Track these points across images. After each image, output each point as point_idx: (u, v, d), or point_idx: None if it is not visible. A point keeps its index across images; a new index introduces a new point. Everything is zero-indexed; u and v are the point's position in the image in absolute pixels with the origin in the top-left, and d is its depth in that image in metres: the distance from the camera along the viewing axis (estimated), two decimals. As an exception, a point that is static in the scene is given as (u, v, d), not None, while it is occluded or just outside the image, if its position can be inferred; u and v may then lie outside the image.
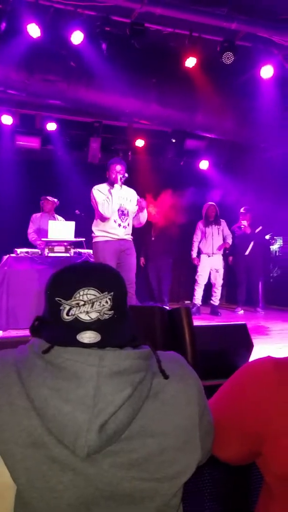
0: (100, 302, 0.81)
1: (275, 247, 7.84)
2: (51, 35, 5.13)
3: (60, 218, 6.32)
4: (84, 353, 0.77)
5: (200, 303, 6.82)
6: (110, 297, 0.82)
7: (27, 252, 5.48)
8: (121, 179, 4.49)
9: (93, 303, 0.80)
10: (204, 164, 7.95)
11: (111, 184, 4.54)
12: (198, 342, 1.41)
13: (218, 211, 6.88)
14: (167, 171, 7.91)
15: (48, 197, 6.30)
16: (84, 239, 5.64)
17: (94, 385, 0.75)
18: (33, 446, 0.75)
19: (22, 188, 6.86)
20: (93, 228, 4.64)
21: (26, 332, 0.91)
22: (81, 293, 0.80)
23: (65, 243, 5.59)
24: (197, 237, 6.85)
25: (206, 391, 0.97)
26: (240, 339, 1.66)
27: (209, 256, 6.76)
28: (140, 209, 4.55)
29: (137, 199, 4.59)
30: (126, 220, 4.57)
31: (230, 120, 6.44)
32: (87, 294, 0.80)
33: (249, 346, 1.68)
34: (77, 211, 6.21)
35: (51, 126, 7.06)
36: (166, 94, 5.97)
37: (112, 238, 4.51)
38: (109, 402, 0.75)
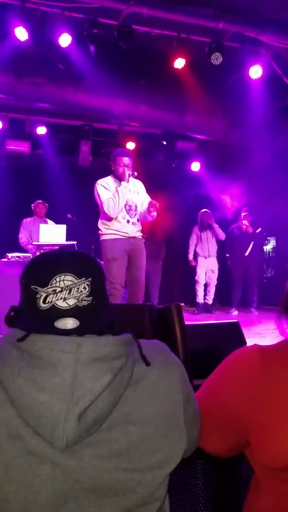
0: (78, 288, 0.78)
1: (268, 247, 7.85)
2: (38, 38, 5.11)
3: (50, 222, 6.28)
4: (61, 341, 0.73)
5: (203, 301, 7.15)
6: (88, 282, 0.79)
7: (18, 257, 5.43)
8: (129, 175, 4.09)
9: (70, 289, 0.77)
10: (195, 166, 7.95)
11: (118, 179, 4.11)
12: (189, 341, 1.38)
13: (212, 218, 7.11)
14: (159, 173, 7.90)
15: (43, 202, 6.28)
16: (75, 242, 5.60)
17: (72, 373, 0.71)
18: (9, 438, 0.72)
19: (12, 193, 6.82)
20: (100, 225, 4.21)
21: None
22: (58, 279, 0.77)
23: (57, 247, 5.55)
24: (192, 241, 7.25)
25: (197, 390, 0.94)
26: (233, 337, 1.63)
27: (205, 258, 7.15)
28: (149, 212, 4.15)
29: (150, 202, 4.15)
30: (135, 215, 4.15)
31: (220, 121, 6.45)
32: (64, 280, 0.77)
33: (242, 344, 1.65)
34: (69, 215, 6.18)
35: (41, 130, 7.03)
36: (155, 95, 5.97)
37: (121, 236, 4.09)
38: (88, 390, 0.71)
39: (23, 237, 6.10)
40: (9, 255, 5.42)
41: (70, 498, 0.73)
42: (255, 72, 5.63)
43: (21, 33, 4.89)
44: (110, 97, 5.74)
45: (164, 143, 7.56)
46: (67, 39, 5.05)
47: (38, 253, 5.34)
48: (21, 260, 5.42)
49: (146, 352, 0.80)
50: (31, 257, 5.49)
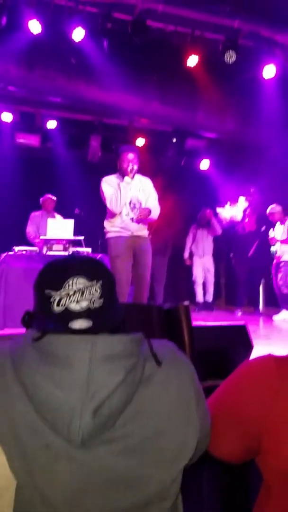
0: (90, 291, 0.82)
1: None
2: (51, 32, 5.09)
3: (58, 216, 6.27)
4: (76, 339, 0.77)
5: (202, 300, 7.17)
6: (99, 285, 0.83)
7: (25, 250, 5.43)
8: (131, 170, 4.03)
9: (83, 292, 0.81)
10: (205, 164, 7.91)
11: (122, 175, 4.08)
12: (197, 342, 1.37)
13: (212, 217, 7.08)
14: (168, 171, 7.87)
15: (51, 196, 6.27)
16: (83, 237, 5.59)
17: (87, 370, 0.74)
18: (27, 432, 0.75)
19: (21, 186, 6.82)
20: (105, 224, 4.21)
21: (23, 330, 0.91)
22: (71, 282, 0.81)
23: (64, 242, 5.54)
24: (189, 239, 7.30)
25: (204, 392, 0.94)
26: (240, 340, 1.62)
27: (200, 257, 7.20)
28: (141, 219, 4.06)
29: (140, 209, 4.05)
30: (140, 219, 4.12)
31: (232, 120, 6.40)
32: (76, 283, 0.81)
33: (249, 347, 1.64)
34: (76, 209, 6.16)
35: (51, 124, 7.02)
36: (167, 92, 5.94)
37: (126, 234, 4.07)
38: (103, 386, 0.74)
39: (30, 230, 6.10)
40: (16, 248, 5.42)
41: (87, 491, 0.75)
42: (269, 71, 5.59)
43: (35, 26, 4.87)
44: (122, 92, 5.71)
45: (174, 140, 7.53)
46: (81, 33, 5.03)
47: (45, 248, 5.32)
48: (27, 254, 5.42)
49: (156, 350, 0.83)
50: (38, 250, 5.50)
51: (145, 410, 0.78)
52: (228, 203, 7.15)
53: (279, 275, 6.32)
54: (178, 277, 8.02)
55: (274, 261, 6.45)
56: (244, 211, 7.24)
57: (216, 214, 7.23)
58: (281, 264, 6.31)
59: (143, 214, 4.07)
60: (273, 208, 6.40)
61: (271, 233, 6.48)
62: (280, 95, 6.10)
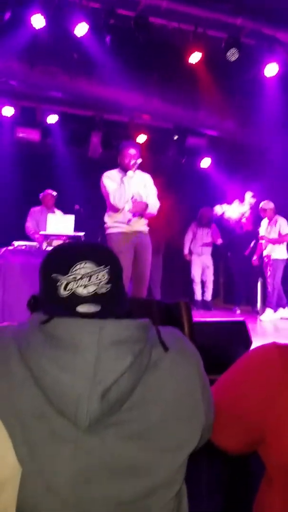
0: (97, 276, 0.80)
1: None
2: (54, 27, 5.08)
3: (58, 212, 6.27)
4: (84, 323, 0.76)
5: (201, 298, 7.19)
6: (107, 270, 0.82)
7: (24, 245, 5.42)
8: (133, 164, 4.01)
9: (90, 277, 0.80)
10: (205, 163, 7.90)
11: (124, 170, 4.05)
12: (196, 338, 1.37)
13: (213, 216, 7.12)
14: (168, 168, 7.86)
15: (51, 192, 6.25)
16: (83, 233, 5.59)
17: (95, 354, 0.74)
18: (33, 416, 0.74)
19: (21, 181, 6.80)
20: (106, 219, 4.20)
21: None
22: (78, 266, 0.80)
23: (64, 238, 5.54)
24: (188, 237, 7.34)
25: (208, 378, 0.94)
26: (239, 336, 1.63)
27: (199, 256, 7.25)
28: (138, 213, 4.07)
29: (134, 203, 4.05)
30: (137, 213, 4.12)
31: (233, 119, 6.41)
32: (84, 267, 0.80)
33: (248, 343, 1.65)
34: (76, 206, 6.15)
35: (52, 119, 6.99)
36: (169, 89, 5.94)
37: (127, 230, 4.06)
38: (110, 370, 0.74)
39: (30, 226, 6.09)
40: (15, 243, 5.42)
41: (92, 478, 0.75)
42: (271, 70, 5.58)
43: (38, 21, 4.86)
44: (123, 88, 5.71)
45: (175, 138, 7.51)
46: (83, 29, 5.02)
47: (45, 243, 5.29)
48: (26, 249, 5.41)
49: (164, 338, 0.82)
50: (37, 246, 5.49)
51: (152, 396, 0.78)
52: (237, 201, 7.08)
53: (268, 273, 6.32)
54: (175, 276, 8.02)
55: (265, 260, 6.43)
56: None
57: (218, 217, 7.20)
58: (270, 263, 6.31)
59: (139, 207, 4.06)
60: (266, 204, 6.36)
61: (261, 231, 6.47)
62: (282, 94, 6.09)
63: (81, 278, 0.79)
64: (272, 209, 6.32)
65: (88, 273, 0.80)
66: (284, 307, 6.26)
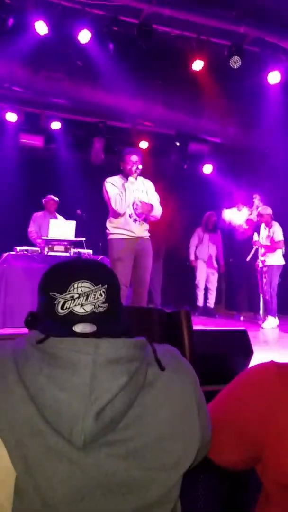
0: (94, 295, 0.82)
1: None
2: (57, 34, 5.11)
3: (61, 217, 6.28)
4: (80, 342, 0.77)
5: (202, 304, 7.16)
6: (104, 290, 0.83)
7: (26, 250, 5.44)
8: (135, 170, 4.08)
9: (87, 296, 0.81)
10: (207, 168, 7.91)
11: (126, 176, 4.13)
12: (197, 347, 1.37)
13: (218, 221, 7.10)
14: (170, 174, 7.88)
15: (54, 197, 6.28)
16: (84, 239, 5.59)
17: (90, 373, 0.74)
18: (30, 434, 0.75)
19: (24, 186, 6.83)
20: (108, 225, 4.23)
21: (23, 330, 0.92)
22: (75, 286, 0.81)
23: (65, 243, 5.55)
24: (194, 241, 7.25)
25: (204, 396, 0.94)
26: (240, 345, 1.62)
27: (204, 261, 7.17)
28: (143, 213, 4.12)
29: (139, 204, 4.12)
30: (142, 214, 4.17)
31: (235, 125, 6.42)
32: (81, 286, 0.81)
33: (249, 353, 1.64)
34: (78, 211, 6.17)
35: (55, 125, 7.03)
36: (172, 96, 5.96)
37: (128, 236, 4.12)
38: (106, 390, 0.74)
39: (32, 231, 6.11)
40: (18, 248, 5.43)
41: (87, 495, 0.75)
42: (274, 77, 5.60)
43: (41, 28, 4.89)
44: (126, 96, 5.73)
45: (177, 144, 7.53)
46: (87, 36, 5.05)
47: (46, 248, 5.30)
48: (29, 254, 5.42)
49: (160, 356, 0.83)
50: (39, 251, 5.50)
51: (147, 415, 0.78)
52: (246, 207, 7.06)
53: (264, 280, 6.28)
54: (175, 281, 8.00)
55: (260, 266, 6.41)
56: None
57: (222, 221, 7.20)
58: (265, 269, 6.27)
59: (145, 208, 4.10)
60: (263, 210, 6.34)
61: (255, 236, 6.46)
62: (284, 101, 6.11)
63: (78, 297, 0.81)
64: (270, 214, 6.29)
65: (85, 292, 0.81)
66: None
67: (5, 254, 5.38)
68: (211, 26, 5.02)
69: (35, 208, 6.31)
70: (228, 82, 5.98)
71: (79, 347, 0.75)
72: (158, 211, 4.20)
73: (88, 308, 0.81)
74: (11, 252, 5.40)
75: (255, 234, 6.49)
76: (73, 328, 0.79)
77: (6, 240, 5.76)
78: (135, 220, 4.13)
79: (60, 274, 0.84)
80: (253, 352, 1.67)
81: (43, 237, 5.64)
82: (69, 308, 0.80)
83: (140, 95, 5.80)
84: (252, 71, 5.82)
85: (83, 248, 5.73)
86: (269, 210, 6.30)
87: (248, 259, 6.92)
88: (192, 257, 7.21)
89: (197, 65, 5.48)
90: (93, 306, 0.81)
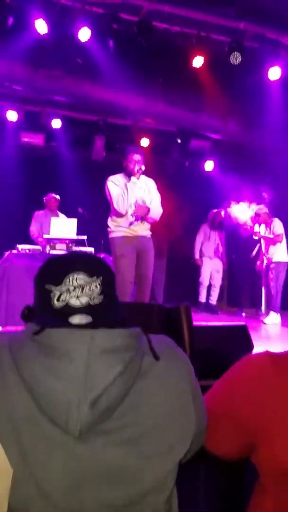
0: (90, 287, 0.82)
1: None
2: (57, 31, 5.10)
3: (62, 216, 6.29)
4: (75, 333, 0.78)
5: (205, 300, 7.15)
6: (99, 281, 0.84)
7: (28, 249, 5.45)
8: (138, 171, 4.07)
9: (83, 288, 0.82)
10: (209, 165, 7.90)
11: (128, 175, 4.13)
12: (197, 342, 1.38)
13: (224, 219, 7.07)
14: (171, 171, 7.87)
15: (55, 195, 6.28)
16: (86, 237, 5.60)
17: (85, 363, 0.75)
18: (25, 422, 0.76)
19: (25, 185, 6.83)
20: (109, 223, 4.24)
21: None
22: (71, 278, 0.82)
23: (67, 241, 5.56)
24: (199, 238, 7.17)
25: (203, 391, 0.95)
26: (240, 340, 1.63)
27: (210, 259, 7.11)
28: (140, 216, 4.10)
29: (136, 206, 4.09)
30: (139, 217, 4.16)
31: (236, 122, 6.41)
32: (76, 278, 0.82)
33: (249, 347, 1.65)
34: (80, 209, 6.17)
35: (56, 123, 7.02)
36: (172, 93, 5.95)
37: (130, 234, 4.12)
38: (101, 379, 0.75)
39: (34, 229, 6.12)
40: (19, 246, 5.44)
41: (83, 483, 0.76)
42: (274, 73, 5.58)
43: (41, 26, 4.89)
44: (126, 93, 5.72)
45: (179, 141, 7.52)
46: (87, 33, 5.04)
47: (48, 246, 5.33)
48: (30, 252, 5.44)
49: (154, 346, 0.84)
50: (41, 249, 5.51)
51: (142, 403, 0.79)
52: (253, 204, 7.02)
53: (271, 276, 6.30)
54: (178, 278, 8.00)
55: (265, 262, 6.41)
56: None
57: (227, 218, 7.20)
58: (272, 266, 6.28)
59: (141, 211, 4.10)
60: (260, 210, 6.37)
61: (257, 228, 6.46)
62: (285, 98, 6.09)
63: (74, 289, 0.82)
64: (266, 213, 6.31)
65: (80, 284, 0.82)
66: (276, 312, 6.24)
67: (6, 253, 5.39)
68: (211, 22, 5.01)
69: (37, 207, 6.32)
70: (228, 78, 5.96)
71: (74, 338, 0.76)
72: (156, 213, 4.20)
73: (84, 300, 0.82)
74: (13, 251, 5.41)
75: (256, 225, 6.48)
76: (69, 319, 0.80)
77: (7, 238, 5.78)
78: (133, 217, 4.13)
79: (55, 266, 0.86)
80: (254, 346, 1.68)
81: (44, 236, 5.65)
82: (65, 300, 0.81)
83: (140, 92, 5.80)
84: (253, 68, 5.80)
85: (84, 246, 5.74)
86: (264, 209, 6.33)
87: (253, 253, 6.92)
88: (197, 255, 7.15)
89: (198, 61, 5.47)
90: (88, 298, 0.82)
